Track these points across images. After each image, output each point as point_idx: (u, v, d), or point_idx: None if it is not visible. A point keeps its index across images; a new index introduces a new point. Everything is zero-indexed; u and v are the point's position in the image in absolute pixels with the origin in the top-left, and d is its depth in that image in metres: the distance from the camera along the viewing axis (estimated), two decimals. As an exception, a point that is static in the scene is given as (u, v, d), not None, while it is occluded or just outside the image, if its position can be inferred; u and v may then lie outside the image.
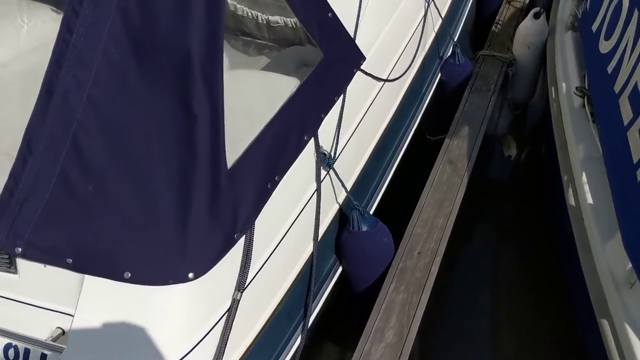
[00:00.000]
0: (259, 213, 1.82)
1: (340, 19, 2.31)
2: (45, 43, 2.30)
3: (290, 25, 3.42)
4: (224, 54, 2.30)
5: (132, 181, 1.69)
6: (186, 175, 1.69)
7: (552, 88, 2.87)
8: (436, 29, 3.24)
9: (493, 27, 3.90)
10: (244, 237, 1.77)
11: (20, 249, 1.64)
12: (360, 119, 2.43)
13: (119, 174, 1.70)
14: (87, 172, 1.69)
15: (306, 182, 2.10)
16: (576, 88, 2.60)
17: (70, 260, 1.63)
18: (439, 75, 3.36)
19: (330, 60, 2.22)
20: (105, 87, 1.73)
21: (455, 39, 3.61)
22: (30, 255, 1.66)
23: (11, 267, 1.75)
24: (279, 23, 3.51)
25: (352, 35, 2.37)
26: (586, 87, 2.56)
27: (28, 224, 1.65)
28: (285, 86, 2.16)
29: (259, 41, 3.22)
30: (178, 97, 1.71)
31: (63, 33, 1.77)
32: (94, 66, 1.73)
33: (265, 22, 3.51)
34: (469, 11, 4.13)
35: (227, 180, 1.73)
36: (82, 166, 1.69)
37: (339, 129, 2.23)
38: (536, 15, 3.33)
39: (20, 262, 1.72)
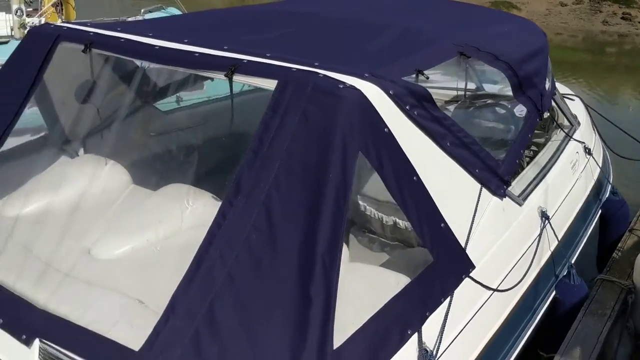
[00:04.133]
0: None
1: (454, 229, 2.57)
2: (202, 224, 2.76)
3: (412, 229, 3.73)
4: (350, 247, 2.61)
5: (250, 351, 1.94)
6: (295, 351, 1.91)
7: None
8: (552, 247, 3.38)
9: (614, 253, 3.95)
10: None
11: None
12: (466, 323, 2.56)
13: (240, 342, 1.96)
14: (216, 336, 1.97)
15: None
16: None
17: None
18: (553, 293, 3.43)
19: (439, 265, 2.45)
20: (243, 267, 2.08)
21: (573, 260, 3.69)
22: None
23: None
24: (401, 226, 3.87)
25: (463, 244, 2.61)
26: None
27: None
28: (396, 282, 2.40)
29: (383, 240, 3.54)
30: (298, 281, 2.00)
31: (218, 218, 2.18)
32: (237, 248, 2.10)
33: (390, 223, 3.87)
34: (590, 234, 4.24)
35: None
36: (212, 330, 1.98)
37: (444, 329, 2.37)
38: (658, 247, 3.37)
39: None
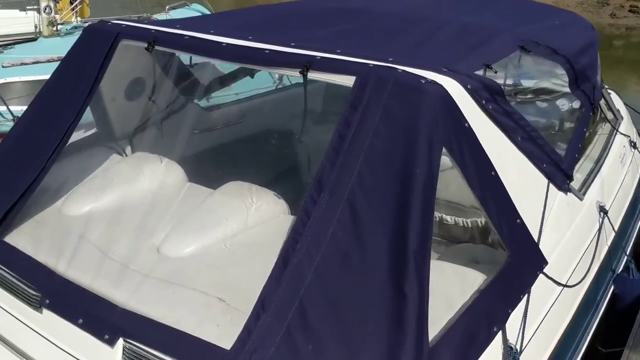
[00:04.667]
0: None
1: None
2: (267, 221, 2.74)
3: (461, 225, 3.72)
4: None
5: (345, 347, 1.93)
6: (393, 349, 1.90)
7: None
8: (609, 242, 3.36)
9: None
10: None
11: None
12: (542, 319, 2.54)
13: (335, 339, 1.95)
14: (309, 333, 1.95)
15: None
16: None
17: None
18: (612, 287, 3.41)
19: (516, 262, 2.43)
20: (330, 263, 2.06)
21: (628, 252, 3.68)
22: None
23: None
24: (449, 222, 3.85)
25: (535, 239, 2.59)
26: None
27: None
28: (472, 279, 2.38)
29: None
30: (391, 277, 1.99)
31: (302, 215, 2.16)
32: (324, 245, 2.08)
33: (437, 219, 3.85)
34: None
35: (428, 358, 1.92)
36: (305, 327, 1.97)
37: (524, 325, 2.36)
38: None
39: None
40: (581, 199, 3.13)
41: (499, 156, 2.47)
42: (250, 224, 2.74)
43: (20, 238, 2.65)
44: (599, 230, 3.21)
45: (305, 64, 2.42)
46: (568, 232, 2.91)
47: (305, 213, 2.16)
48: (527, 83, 4.23)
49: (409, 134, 2.17)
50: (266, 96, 4.92)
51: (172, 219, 2.76)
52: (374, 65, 2.35)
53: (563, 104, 3.90)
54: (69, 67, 3.05)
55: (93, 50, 2.98)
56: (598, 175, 3.44)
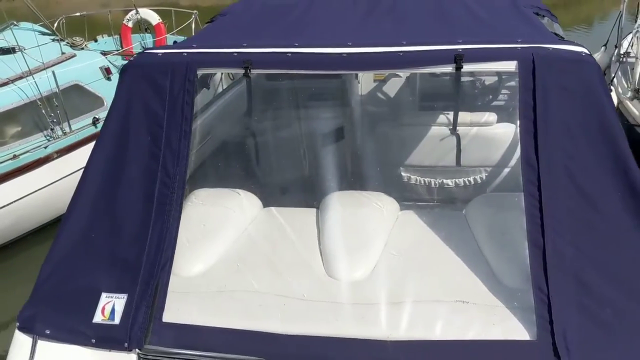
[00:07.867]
0: None
1: None
2: (394, 219, 2.75)
3: (462, 185, 4.06)
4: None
5: None
6: None
7: None
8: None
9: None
10: None
11: None
12: None
13: (626, 296, 2.11)
14: (600, 300, 2.10)
15: None
16: None
17: None
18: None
19: None
20: (581, 233, 2.21)
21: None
22: None
23: None
24: (449, 185, 4.15)
25: None
26: None
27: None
28: None
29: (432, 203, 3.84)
30: None
31: (528, 198, 2.27)
32: (565, 219, 2.23)
33: (437, 186, 4.13)
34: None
35: None
36: (593, 296, 2.11)
37: None
38: None
39: None
40: None
41: None
42: (388, 228, 2.72)
43: (185, 314, 2.29)
44: None
45: (457, 57, 2.44)
46: None
47: (530, 195, 2.26)
48: None
49: (593, 104, 2.35)
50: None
51: (308, 247, 2.61)
52: (522, 48, 2.47)
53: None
54: (132, 118, 2.59)
55: (161, 88, 2.58)
56: None
